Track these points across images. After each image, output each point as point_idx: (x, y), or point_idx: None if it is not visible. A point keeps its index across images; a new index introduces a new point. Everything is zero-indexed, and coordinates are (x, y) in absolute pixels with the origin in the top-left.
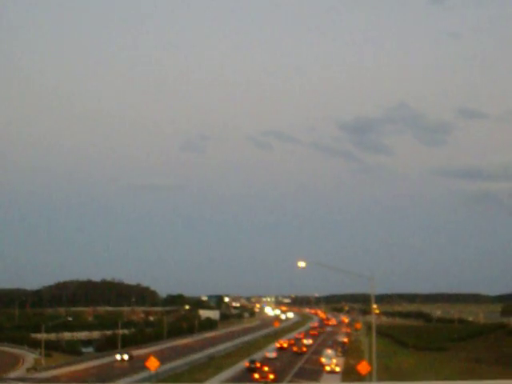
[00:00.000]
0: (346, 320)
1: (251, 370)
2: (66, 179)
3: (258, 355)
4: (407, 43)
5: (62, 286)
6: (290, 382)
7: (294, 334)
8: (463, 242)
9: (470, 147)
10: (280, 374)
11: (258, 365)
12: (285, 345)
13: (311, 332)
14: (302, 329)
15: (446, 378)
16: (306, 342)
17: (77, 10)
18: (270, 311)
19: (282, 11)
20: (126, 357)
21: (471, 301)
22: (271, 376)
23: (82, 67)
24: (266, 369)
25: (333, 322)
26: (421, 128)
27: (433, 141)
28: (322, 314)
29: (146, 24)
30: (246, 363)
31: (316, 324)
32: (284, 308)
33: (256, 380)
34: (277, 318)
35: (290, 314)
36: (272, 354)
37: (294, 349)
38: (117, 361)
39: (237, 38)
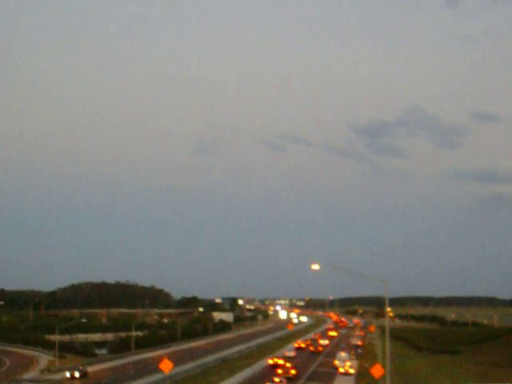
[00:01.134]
0: (360, 323)
1: (274, 366)
2: (82, 182)
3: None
4: (421, 46)
5: (76, 288)
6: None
7: (311, 335)
8: (478, 244)
9: (483, 150)
10: (300, 370)
11: (281, 361)
12: (302, 345)
13: (329, 331)
14: (315, 332)
15: (460, 382)
16: (322, 342)
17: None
18: (283, 314)
19: (296, 14)
20: (76, 374)
21: (486, 304)
22: (293, 371)
23: (95, 70)
24: (288, 365)
25: (345, 324)
26: (435, 131)
27: (447, 143)
28: (334, 317)
29: (156, 26)
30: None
31: (332, 326)
32: (297, 311)
33: (279, 375)
34: (289, 321)
35: (304, 318)
36: (291, 353)
37: (311, 348)
38: (66, 378)
39: (253, 41)
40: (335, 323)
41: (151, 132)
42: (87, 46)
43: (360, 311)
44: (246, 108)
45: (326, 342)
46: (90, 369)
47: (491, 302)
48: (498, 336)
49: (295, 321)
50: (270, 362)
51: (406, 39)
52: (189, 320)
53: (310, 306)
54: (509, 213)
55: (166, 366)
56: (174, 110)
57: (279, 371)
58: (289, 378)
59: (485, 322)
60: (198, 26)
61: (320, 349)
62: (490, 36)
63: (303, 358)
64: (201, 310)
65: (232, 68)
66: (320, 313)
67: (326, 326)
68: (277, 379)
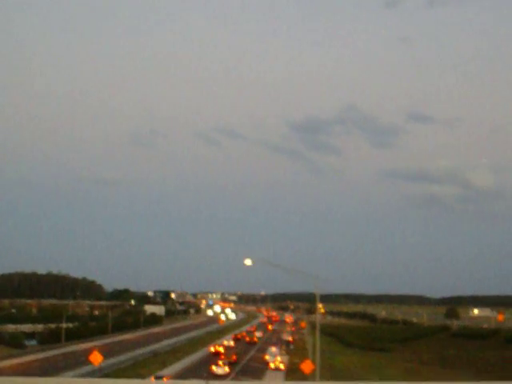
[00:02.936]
0: (290, 319)
1: (216, 354)
2: (13, 171)
3: (202, 352)
4: (359, 46)
5: (6, 278)
6: (233, 379)
7: (246, 328)
8: (409, 244)
9: (418, 150)
10: (239, 357)
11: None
12: (220, 349)
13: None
14: (245, 327)
15: (389, 379)
16: (257, 334)
17: None
18: (218, 309)
19: (235, 10)
20: None
21: (416, 303)
22: (234, 357)
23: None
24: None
25: (277, 319)
26: (371, 130)
27: (382, 143)
28: (265, 312)
29: (96, 13)
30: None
31: (266, 320)
32: (227, 305)
33: (222, 359)
34: (217, 317)
35: (232, 315)
36: (230, 343)
37: (247, 339)
38: None
39: (191, 34)
40: (268, 318)
41: (86, 121)
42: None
43: (291, 307)
44: (181, 101)
45: (261, 333)
46: (18, 360)
47: (421, 301)
48: (427, 334)
49: (222, 317)
50: (212, 349)
51: (344, 38)
52: (120, 312)
53: (243, 300)
54: (441, 213)
55: (96, 358)
56: (110, 101)
57: (222, 357)
58: (230, 363)
59: (414, 320)
60: (134, 15)
61: (255, 339)
62: (426, 38)
63: (241, 347)
64: (132, 302)
65: (169, 60)
66: (252, 308)
67: (260, 321)
68: (220, 362)
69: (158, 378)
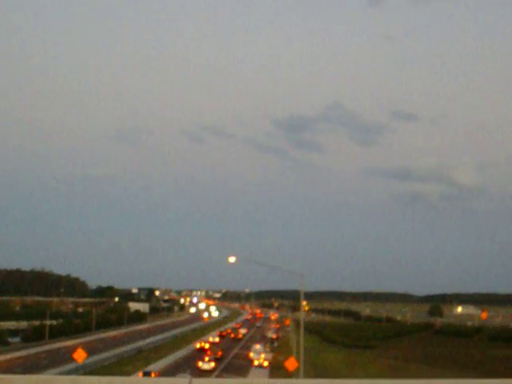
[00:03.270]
0: (274, 316)
1: (201, 350)
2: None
3: (186, 349)
4: (344, 44)
5: None
6: (218, 377)
7: (232, 325)
8: (393, 242)
9: (402, 148)
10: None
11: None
12: (206, 345)
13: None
14: (230, 325)
15: (373, 376)
16: (242, 330)
17: None
18: (202, 306)
19: (219, 7)
20: None
21: (400, 300)
22: (219, 353)
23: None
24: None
25: (261, 316)
26: (355, 128)
27: (366, 141)
28: (249, 310)
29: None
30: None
31: (250, 317)
32: (211, 302)
33: (208, 355)
34: (200, 315)
35: (215, 313)
36: (215, 339)
37: (232, 335)
38: None
39: (176, 32)
40: (252, 315)
41: (70, 118)
42: None
43: (276, 304)
44: (167, 98)
45: (245, 330)
46: (0, 357)
47: (406, 298)
48: (411, 332)
49: (205, 315)
50: (198, 345)
51: (328, 36)
52: (104, 310)
53: (227, 297)
54: (424, 211)
55: (80, 355)
56: (95, 97)
57: (208, 352)
58: (216, 358)
59: (398, 317)
60: (121, 13)
61: (240, 336)
62: (410, 36)
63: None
64: (116, 299)
65: (154, 57)
66: (236, 305)
67: (244, 318)
68: (206, 358)
69: (146, 373)
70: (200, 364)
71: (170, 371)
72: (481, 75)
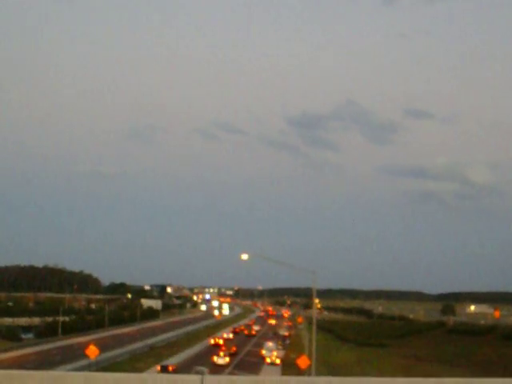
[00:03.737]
0: (287, 314)
1: (215, 346)
2: (10, 165)
3: (200, 346)
4: (357, 42)
5: (3, 271)
6: (230, 373)
7: (244, 322)
8: (407, 240)
9: (416, 147)
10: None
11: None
12: (220, 341)
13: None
14: (243, 322)
15: (385, 374)
16: (255, 327)
17: None
18: (215, 303)
19: (232, 5)
20: None
21: (413, 298)
22: (234, 348)
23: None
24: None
25: (273, 314)
26: (368, 126)
27: (380, 139)
28: (261, 307)
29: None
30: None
31: (263, 314)
32: (224, 300)
33: (223, 351)
34: (211, 313)
35: (226, 310)
36: (229, 335)
37: (246, 332)
38: None
39: (188, 30)
40: (265, 312)
41: (83, 117)
42: None
43: (288, 302)
44: (180, 95)
45: (258, 327)
46: (14, 353)
47: (419, 297)
48: (423, 330)
49: (215, 312)
50: (212, 341)
51: (342, 34)
52: (117, 306)
53: (240, 295)
54: (439, 209)
55: (92, 351)
56: (107, 95)
57: (223, 348)
58: (231, 354)
59: (411, 316)
60: (132, 11)
61: (254, 333)
62: (424, 34)
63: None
64: (129, 296)
65: (167, 55)
66: (249, 302)
67: (257, 315)
68: (221, 353)
69: (163, 367)
70: (215, 359)
71: (187, 365)
72: (495, 73)
